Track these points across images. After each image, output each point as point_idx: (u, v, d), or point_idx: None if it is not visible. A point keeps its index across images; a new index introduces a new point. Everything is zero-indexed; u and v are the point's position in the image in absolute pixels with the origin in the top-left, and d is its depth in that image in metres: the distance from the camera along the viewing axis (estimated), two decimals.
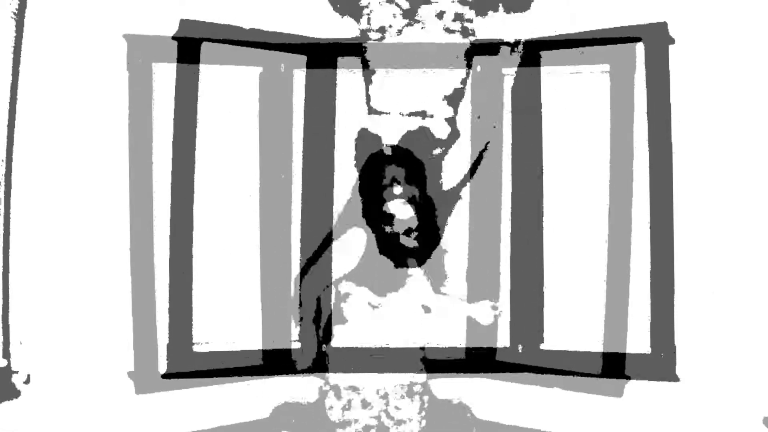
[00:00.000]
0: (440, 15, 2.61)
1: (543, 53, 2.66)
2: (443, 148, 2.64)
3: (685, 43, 2.43)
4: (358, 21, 2.67)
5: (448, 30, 2.61)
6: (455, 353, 2.64)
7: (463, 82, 2.65)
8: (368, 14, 2.65)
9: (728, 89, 2.36)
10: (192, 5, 2.57)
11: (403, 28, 2.61)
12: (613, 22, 2.52)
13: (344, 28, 2.74)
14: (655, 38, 2.47)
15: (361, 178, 2.06)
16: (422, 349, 2.22)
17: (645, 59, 2.50)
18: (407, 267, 2.12)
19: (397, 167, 2.03)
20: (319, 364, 2.36)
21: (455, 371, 2.65)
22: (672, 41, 2.45)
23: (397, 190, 1.97)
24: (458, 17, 2.62)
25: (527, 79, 2.69)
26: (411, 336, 2.20)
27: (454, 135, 2.65)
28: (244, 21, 2.66)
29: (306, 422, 2.36)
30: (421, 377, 2.29)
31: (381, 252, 2.07)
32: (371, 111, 2.62)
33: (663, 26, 2.45)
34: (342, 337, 2.15)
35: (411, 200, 2.00)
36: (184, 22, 2.55)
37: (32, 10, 2.30)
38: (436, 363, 2.61)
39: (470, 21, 2.63)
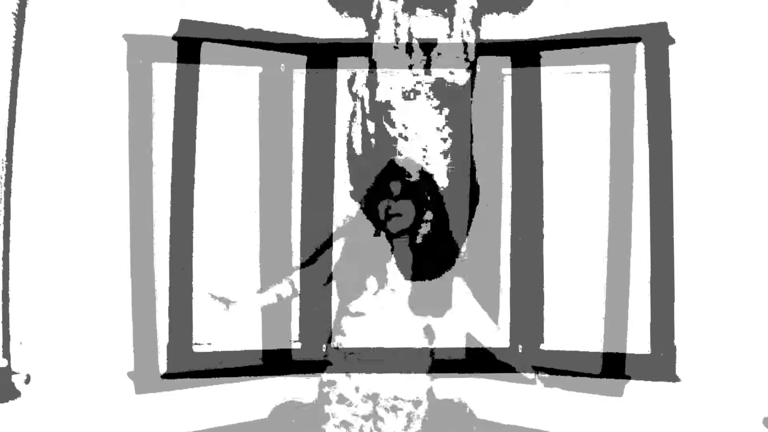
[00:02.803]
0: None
1: (543, 53, 2.66)
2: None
3: (685, 43, 2.43)
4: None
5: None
6: (455, 353, 2.64)
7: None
8: (377, 14, 2.64)
9: (728, 89, 2.36)
10: (192, 5, 2.57)
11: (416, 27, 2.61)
12: (613, 22, 2.52)
13: (344, 28, 2.75)
14: (655, 38, 2.47)
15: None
16: (423, 349, 2.22)
17: (645, 59, 2.50)
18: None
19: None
20: (320, 364, 2.36)
21: (455, 371, 2.65)
22: (672, 41, 2.45)
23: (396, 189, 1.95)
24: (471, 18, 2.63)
25: (527, 79, 2.69)
26: (411, 336, 2.19)
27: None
28: (244, 21, 2.66)
29: (306, 422, 2.36)
30: (422, 377, 2.28)
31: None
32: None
33: (663, 26, 2.45)
34: (342, 337, 2.15)
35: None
36: (184, 22, 2.55)
37: (32, 10, 2.30)
38: (437, 363, 2.61)
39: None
